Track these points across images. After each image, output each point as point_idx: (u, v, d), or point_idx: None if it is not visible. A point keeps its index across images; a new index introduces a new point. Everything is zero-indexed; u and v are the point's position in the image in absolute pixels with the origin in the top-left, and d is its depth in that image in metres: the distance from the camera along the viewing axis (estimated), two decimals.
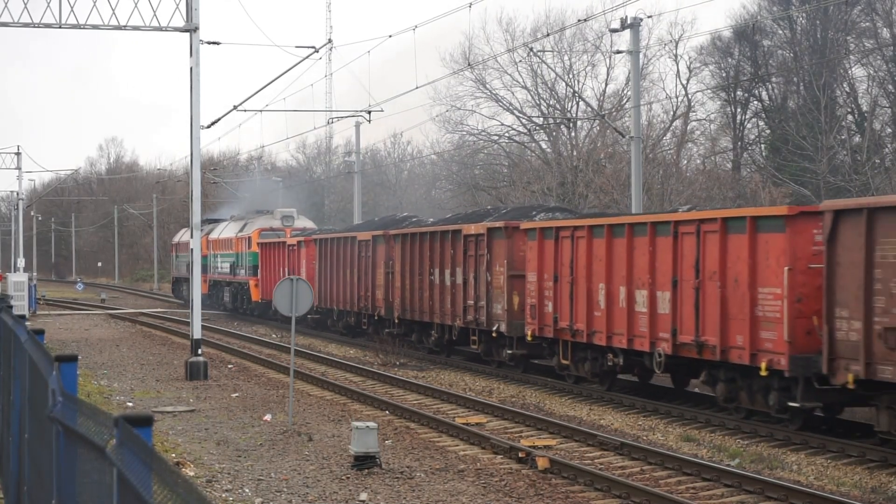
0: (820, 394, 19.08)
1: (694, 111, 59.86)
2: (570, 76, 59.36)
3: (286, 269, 47.54)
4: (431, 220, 39.62)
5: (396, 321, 36.05)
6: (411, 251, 34.88)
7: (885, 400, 17.75)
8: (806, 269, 19.38)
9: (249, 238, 53.70)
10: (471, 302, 31.04)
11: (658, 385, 26.17)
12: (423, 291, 34.08)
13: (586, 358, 26.17)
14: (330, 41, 38.51)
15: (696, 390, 26.02)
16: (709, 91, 58.35)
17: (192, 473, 16.99)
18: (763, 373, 19.87)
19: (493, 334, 29.84)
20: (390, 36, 38.80)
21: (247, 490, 16.23)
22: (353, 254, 40.09)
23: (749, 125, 59.86)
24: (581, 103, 59.24)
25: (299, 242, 47.02)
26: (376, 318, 38.30)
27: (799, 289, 19.39)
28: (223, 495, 15.84)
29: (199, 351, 30.63)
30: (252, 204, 64.04)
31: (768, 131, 57.63)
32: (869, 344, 17.49)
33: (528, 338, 27.92)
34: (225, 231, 57.51)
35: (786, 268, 19.46)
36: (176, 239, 72.41)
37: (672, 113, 58.47)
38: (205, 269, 55.61)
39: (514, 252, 28.91)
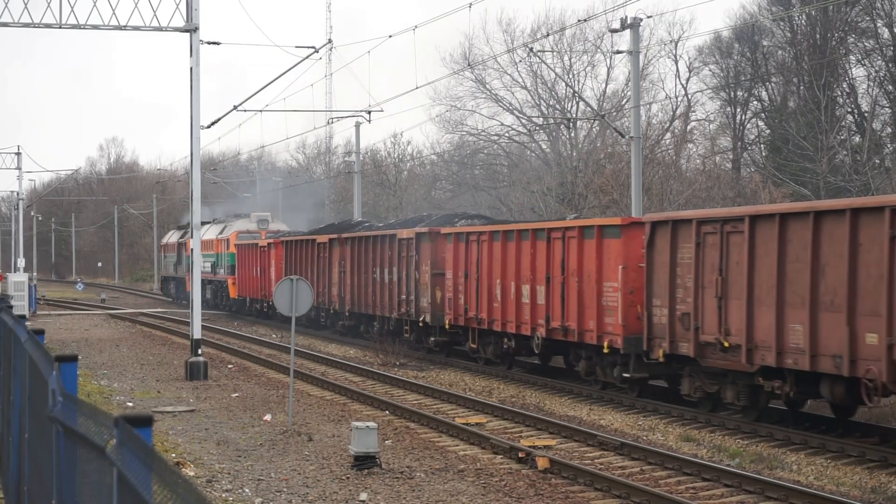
0: (647, 367, 23.67)
1: (694, 111, 59.92)
2: (570, 76, 59.39)
3: (259, 269, 51.66)
4: (380, 224, 44.98)
5: (347, 314, 40.57)
6: (359, 253, 39.45)
7: (686, 370, 22.61)
8: (636, 267, 23.90)
9: (228, 240, 57.14)
10: (403, 297, 35.70)
11: (656, 385, 26.20)
12: (367, 288, 38.64)
13: (490, 342, 31.05)
14: (330, 41, 38.55)
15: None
16: (709, 91, 58.40)
17: (192, 473, 16.99)
18: (605, 350, 24.78)
19: (420, 324, 34.43)
20: (390, 36, 38.83)
21: (247, 490, 16.24)
22: (314, 255, 44.15)
23: (749, 125, 59.90)
24: (581, 103, 59.27)
25: (269, 244, 50.61)
26: (332, 311, 42.68)
27: (631, 283, 24.05)
28: (223, 495, 15.84)
29: (199, 351, 30.64)
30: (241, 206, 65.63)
31: (768, 131, 57.65)
32: (672, 326, 22.44)
33: (447, 326, 32.69)
34: (207, 233, 60.03)
35: (620, 266, 24.23)
36: (164, 240, 75.89)
37: (672, 113, 58.50)
38: (189, 268, 57.65)
39: (437, 254, 33.58)
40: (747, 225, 20.40)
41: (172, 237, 72.33)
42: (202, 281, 63.25)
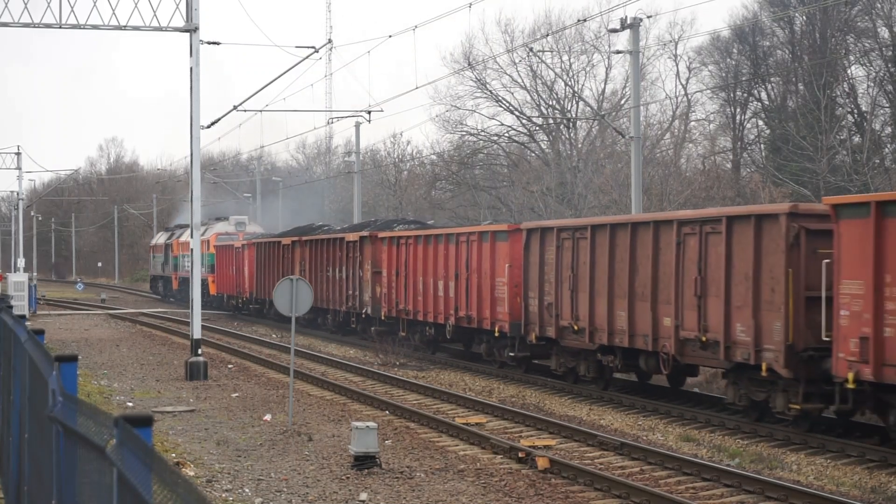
0: (528, 347, 28.71)
1: (693, 111, 59.90)
2: (569, 76, 59.38)
3: (234, 268, 56.93)
4: (339, 227, 49.97)
5: (384, 318, 42.50)
6: (316, 253, 44.60)
7: (553, 349, 27.63)
8: (519, 265, 28.83)
9: (208, 241, 61.08)
10: (350, 292, 40.84)
11: (656, 385, 26.20)
12: (323, 284, 43.39)
13: (416, 331, 35.51)
14: (330, 41, 38.54)
15: (696, 390, 26.08)
16: (708, 91, 58.38)
17: (191, 473, 16.99)
18: (496, 334, 29.88)
19: (363, 315, 39.82)
20: (390, 36, 38.83)
21: (247, 490, 16.24)
22: (280, 255, 48.94)
23: (749, 125, 59.88)
24: (580, 103, 59.26)
25: (243, 246, 55.72)
26: (362, 315, 45.01)
27: (515, 279, 28.97)
28: (223, 495, 15.84)
29: (199, 351, 30.63)
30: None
31: (768, 131, 57.64)
32: (541, 314, 27.58)
33: (383, 317, 37.52)
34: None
35: (507, 265, 29.27)
36: (153, 242, 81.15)
37: (672, 112, 58.50)
38: (175, 267, 68.96)
39: (376, 255, 38.63)
40: (589, 232, 25.52)
41: (160, 239, 76.83)
42: (186, 279, 67.28)
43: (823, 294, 18.76)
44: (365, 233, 39.86)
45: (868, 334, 17.31)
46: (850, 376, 17.62)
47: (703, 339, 21.67)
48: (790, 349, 19.37)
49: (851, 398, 18.09)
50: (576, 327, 25.92)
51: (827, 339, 18.48)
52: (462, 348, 35.11)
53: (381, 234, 38.32)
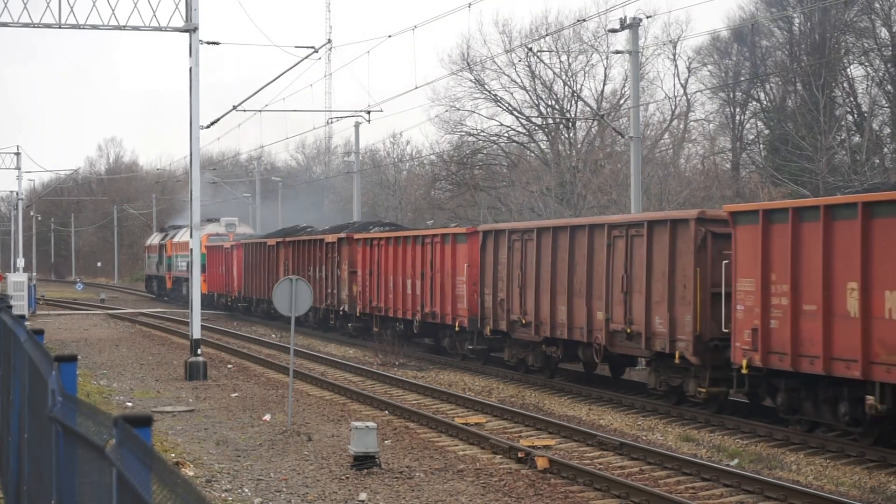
0: (486, 341, 31.13)
1: (693, 111, 59.88)
2: (568, 76, 59.36)
3: (224, 267, 59.75)
4: (325, 228, 51.47)
5: (359, 314, 44.88)
6: (299, 253, 46.84)
7: (507, 342, 30.11)
8: (476, 265, 31.08)
9: (199, 242, 60.41)
10: (329, 290, 43.19)
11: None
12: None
13: (388, 327, 37.49)
14: (329, 41, 38.55)
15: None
16: (707, 91, 58.38)
17: (191, 473, 16.99)
18: (457, 329, 32.55)
19: (341, 312, 42.33)
20: (390, 36, 38.85)
21: (246, 490, 16.24)
22: (266, 255, 51.25)
23: (748, 125, 59.87)
24: (579, 103, 59.26)
25: (232, 246, 58.33)
26: (339, 312, 47.35)
27: (473, 277, 31.38)
28: (222, 495, 15.84)
29: (199, 351, 30.63)
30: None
31: (767, 131, 57.64)
32: (495, 309, 29.98)
33: (358, 314, 40.15)
34: (183, 236, 66.45)
35: (466, 264, 31.85)
36: (147, 242, 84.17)
37: (672, 112, 58.48)
38: (169, 267, 71.60)
39: (353, 255, 41.05)
40: (536, 235, 27.94)
41: (155, 240, 79.51)
42: (179, 278, 70.62)
43: (724, 291, 21.21)
44: (343, 234, 42.27)
45: (757, 326, 19.98)
46: (744, 363, 20.31)
47: (629, 330, 24.04)
48: (698, 339, 21.84)
49: (747, 382, 20.66)
50: (524, 321, 28.42)
51: (726, 330, 21.08)
52: (431, 343, 37.30)
53: (356, 236, 40.89)
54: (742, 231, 20.61)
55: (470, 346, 31.99)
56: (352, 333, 41.06)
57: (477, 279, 31.00)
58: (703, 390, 21.97)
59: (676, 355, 22.23)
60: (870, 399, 18.00)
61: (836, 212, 18.69)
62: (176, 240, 70.37)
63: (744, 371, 20.33)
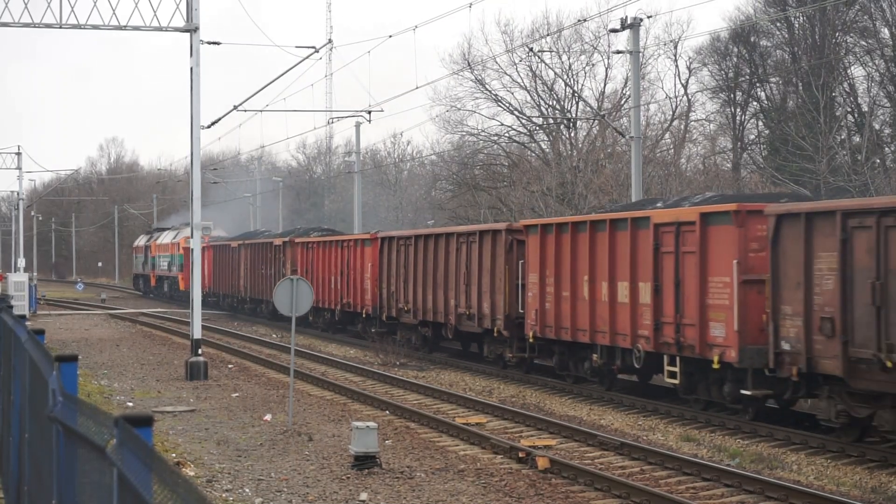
0: (386, 325, 37.51)
1: (693, 111, 59.87)
2: (569, 76, 59.35)
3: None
4: (278, 233, 58.40)
5: (248, 300, 54.16)
6: (255, 254, 53.49)
7: (398, 325, 37.00)
8: (377, 264, 37.98)
9: (178, 244, 70.49)
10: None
11: (656, 385, 26.20)
12: (259, 280, 52.69)
13: (320, 315, 45.00)
14: (330, 41, 38.55)
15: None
16: (708, 91, 58.36)
17: (192, 473, 16.99)
18: (364, 316, 39.79)
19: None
20: (390, 36, 38.85)
21: (247, 490, 16.24)
22: (230, 256, 58.03)
23: (748, 125, 59.85)
24: (580, 103, 59.24)
25: (204, 248, 64.83)
26: (239, 298, 56.68)
27: (375, 274, 38.21)
28: (223, 495, 15.84)
29: (199, 351, 30.63)
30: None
31: (767, 132, 57.62)
32: (388, 299, 37.09)
33: None
34: (166, 238, 75.44)
35: (370, 264, 39.03)
36: (135, 244, 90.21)
37: (672, 112, 58.47)
38: (153, 267, 78.18)
39: (294, 256, 47.92)
40: (413, 241, 35.25)
41: (141, 241, 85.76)
42: (161, 277, 76.29)
43: (520, 282, 28.93)
44: (287, 239, 49.47)
45: (538, 308, 27.63)
46: (531, 334, 27.95)
47: (468, 312, 31.39)
48: (507, 318, 29.39)
49: (536, 349, 28.41)
50: (406, 308, 35.51)
51: (522, 311, 28.80)
52: (356, 328, 43.43)
53: (297, 240, 48.11)
54: (531, 239, 28.17)
55: (373, 330, 37.56)
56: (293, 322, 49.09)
57: (377, 276, 37.99)
58: (511, 355, 29.60)
59: (495, 330, 29.86)
60: (595, 357, 25.62)
61: (577, 227, 26.28)
62: (159, 241, 76.46)
63: (530, 340, 28.11)
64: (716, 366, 21.15)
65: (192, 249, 31.87)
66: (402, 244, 35.95)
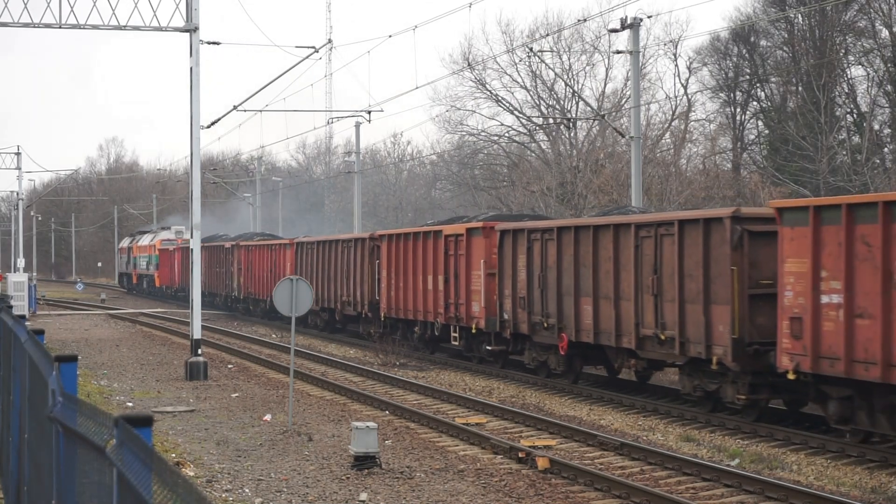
0: (327, 314, 44.54)
1: (694, 111, 59.87)
2: (569, 76, 59.35)
3: (170, 266, 74.04)
4: (233, 237, 65.22)
5: (242, 298, 57.26)
6: (212, 255, 60.23)
7: (335, 314, 44.08)
8: (293, 264, 46.23)
9: (154, 245, 78.79)
10: (227, 282, 58.33)
11: (656, 385, 26.20)
12: (214, 277, 59.70)
13: (258, 306, 52.76)
14: (330, 41, 38.55)
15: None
16: (708, 91, 58.36)
17: (191, 473, 16.99)
18: (339, 311, 44.78)
19: (233, 297, 57.49)
20: (390, 36, 38.86)
21: (247, 490, 16.24)
22: (219, 257, 61.58)
23: (749, 125, 59.86)
24: (580, 103, 59.24)
25: (174, 249, 72.84)
26: (233, 296, 59.39)
27: (292, 272, 44.46)
28: (223, 495, 15.84)
29: (199, 351, 30.62)
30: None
31: (767, 131, 57.62)
32: (335, 295, 42.71)
33: (242, 297, 55.84)
34: (145, 240, 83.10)
35: (289, 264, 46.80)
36: (119, 245, 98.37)
37: (672, 112, 58.46)
38: (135, 266, 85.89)
39: (240, 257, 55.37)
40: (317, 246, 43.95)
41: (125, 243, 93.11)
42: (141, 275, 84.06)
43: (377, 276, 38.05)
44: (234, 242, 57.91)
45: (387, 295, 36.73)
46: (383, 314, 37.37)
47: (349, 300, 40.35)
48: (370, 303, 38.65)
49: (389, 325, 36.85)
50: (347, 301, 42.15)
51: (378, 297, 38.11)
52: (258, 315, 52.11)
53: (242, 243, 56.13)
54: (384, 245, 36.89)
55: (317, 321, 45.27)
56: (240, 311, 57.46)
57: (293, 272, 45.22)
58: (373, 331, 37.52)
59: (363, 313, 39.74)
60: (416, 329, 35.07)
61: (407, 237, 35.29)
62: (139, 243, 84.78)
63: (382, 319, 36.99)
64: (474, 331, 31.15)
65: (192, 250, 31.81)
66: (309, 249, 45.25)
